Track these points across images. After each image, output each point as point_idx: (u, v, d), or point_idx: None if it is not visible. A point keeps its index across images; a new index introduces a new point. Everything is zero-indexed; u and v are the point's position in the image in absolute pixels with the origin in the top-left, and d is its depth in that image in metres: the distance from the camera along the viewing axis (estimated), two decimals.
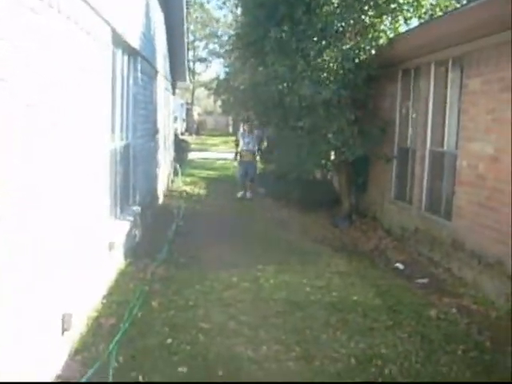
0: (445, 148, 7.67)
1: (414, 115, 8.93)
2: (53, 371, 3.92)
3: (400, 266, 7.42)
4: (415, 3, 9.34)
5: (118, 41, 6.53)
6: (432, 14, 9.51)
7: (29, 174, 3.35)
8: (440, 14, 9.27)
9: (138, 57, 8.07)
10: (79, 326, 4.66)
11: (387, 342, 4.81)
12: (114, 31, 5.99)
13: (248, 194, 13.32)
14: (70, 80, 4.32)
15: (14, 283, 3.13)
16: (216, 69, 72.52)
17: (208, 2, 44.39)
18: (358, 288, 6.34)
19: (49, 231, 3.80)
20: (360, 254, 8.12)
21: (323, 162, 10.36)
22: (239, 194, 13.35)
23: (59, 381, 3.90)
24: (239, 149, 13.71)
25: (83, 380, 3.91)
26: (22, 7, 3.15)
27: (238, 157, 13.87)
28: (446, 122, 7.62)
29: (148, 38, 9.25)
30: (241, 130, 14.28)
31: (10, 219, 3.04)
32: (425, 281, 6.76)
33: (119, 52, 6.90)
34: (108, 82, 5.95)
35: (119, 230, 6.59)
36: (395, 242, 8.69)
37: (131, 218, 7.29)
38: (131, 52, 7.66)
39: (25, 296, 3.32)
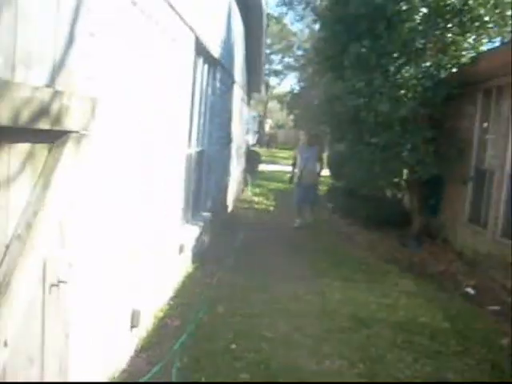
0: None
1: (493, 136, 8.66)
2: (119, 365, 4.02)
3: (470, 290, 7.18)
4: (501, 22, 9.11)
5: (200, 49, 6.66)
6: None
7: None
8: None
9: (218, 66, 8.20)
10: (146, 324, 4.76)
11: (454, 368, 4.66)
12: (197, 39, 6.11)
13: (303, 223, 11.22)
14: (156, 86, 4.45)
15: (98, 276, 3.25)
16: (290, 82, 72.95)
17: (286, 14, 44.43)
18: (425, 310, 6.18)
19: (132, 230, 3.91)
20: (429, 275, 7.90)
21: (396, 179, 10.22)
22: (296, 224, 11.19)
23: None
24: (297, 168, 11.48)
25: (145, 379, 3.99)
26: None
27: (296, 179, 11.55)
28: None
29: (228, 47, 9.40)
30: (300, 142, 12.70)
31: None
32: (497, 308, 6.50)
33: (200, 60, 7.04)
34: (189, 88, 6.09)
35: (189, 234, 6.70)
36: (466, 266, 8.41)
37: (201, 224, 7.40)
38: (211, 61, 7.79)
39: (103, 288, 3.43)
